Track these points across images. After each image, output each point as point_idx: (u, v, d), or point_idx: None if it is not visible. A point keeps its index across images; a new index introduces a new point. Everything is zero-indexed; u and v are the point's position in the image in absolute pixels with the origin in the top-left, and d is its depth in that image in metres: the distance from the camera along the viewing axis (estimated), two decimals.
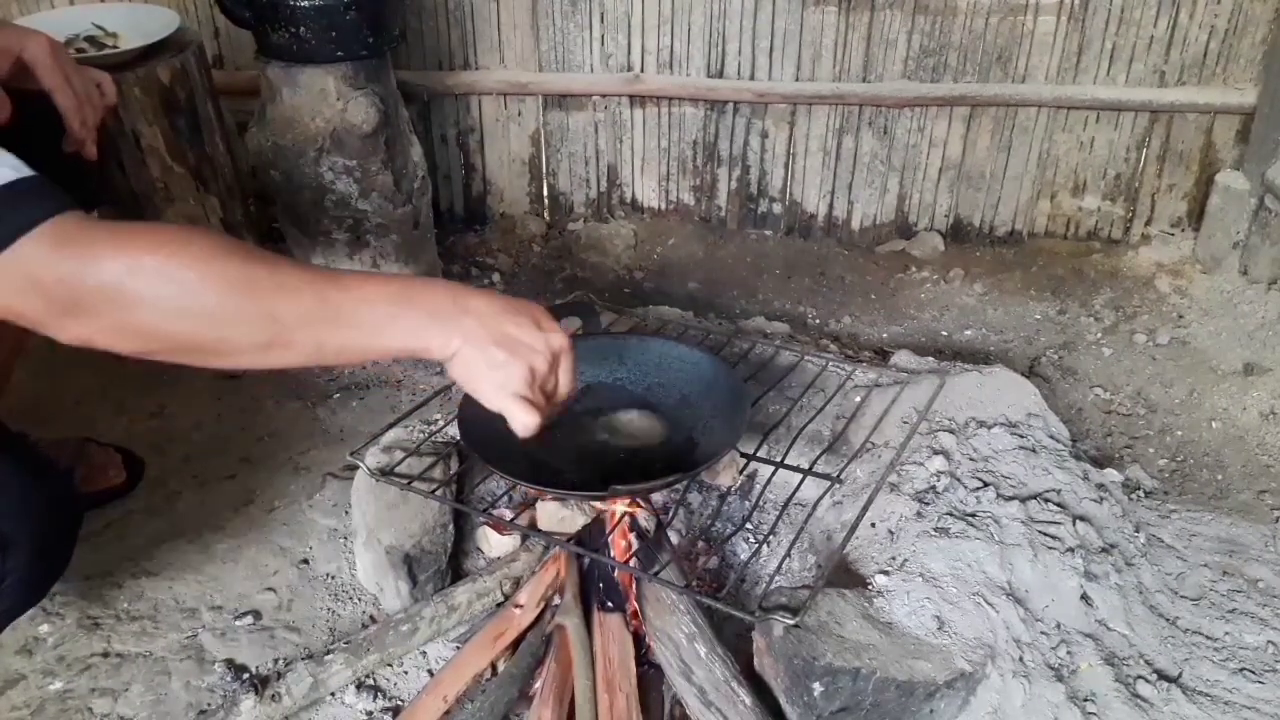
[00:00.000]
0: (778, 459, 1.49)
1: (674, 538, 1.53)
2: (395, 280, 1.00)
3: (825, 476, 1.38)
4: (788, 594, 1.28)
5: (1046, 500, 1.47)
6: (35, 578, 1.16)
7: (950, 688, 1.23)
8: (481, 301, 0.99)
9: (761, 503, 1.53)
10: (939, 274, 2.60)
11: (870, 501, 1.32)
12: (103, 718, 1.39)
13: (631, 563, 1.41)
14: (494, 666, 1.40)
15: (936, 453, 1.51)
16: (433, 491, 1.45)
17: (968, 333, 2.39)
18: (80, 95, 1.36)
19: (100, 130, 1.42)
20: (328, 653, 1.39)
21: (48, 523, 1.15)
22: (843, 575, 1.40)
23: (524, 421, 0.99)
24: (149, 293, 0.86)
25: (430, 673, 1.44)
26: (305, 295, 0.91)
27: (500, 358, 0.98)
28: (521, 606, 1.43)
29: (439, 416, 1.80)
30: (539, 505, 1.50)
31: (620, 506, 1.46)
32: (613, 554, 1.42)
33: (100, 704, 1.40)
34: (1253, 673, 1.41)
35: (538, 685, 1.35)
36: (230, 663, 1.46)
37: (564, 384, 1.05)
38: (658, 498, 1.53)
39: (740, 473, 1.49)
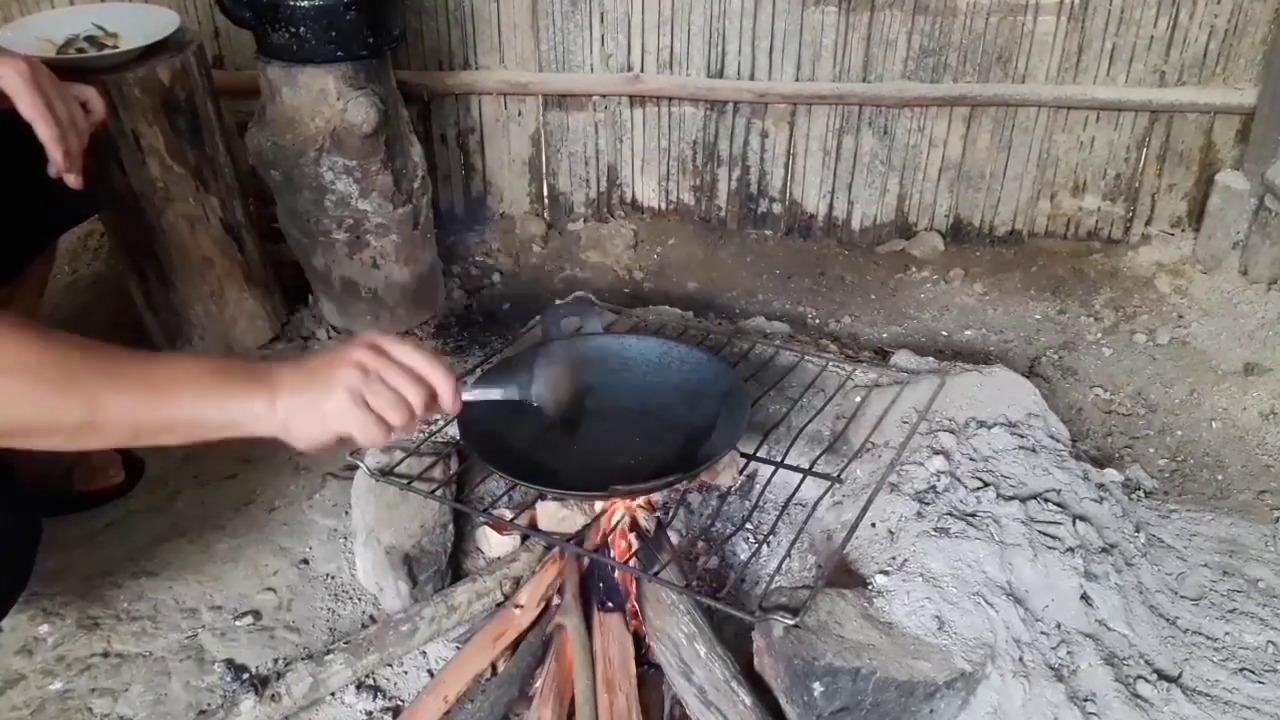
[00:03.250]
0: (778, 459, 1.49)
1: (674, 538, 1.53)
2: (215, 357, 0.97)
3: (825, 476, 1.38)
4: (788, 594, 1.28)
5: (1046, 500, 1.47)
6: None
7: (950, 688, 1.23)
8: (290, 364, 0.97)
9: (761, 503, 1.53)
10: (939, 274, 2.60)
11: (870, 501, 1.32)
12: (103, 718, 1.39)
13: (631, 563, 1.41)
14: (494, 666, 1.41)
15: (936, 453, 1.51)
16: (433, 491, 1.45)
17: (968, 333, 2.39)
18: (63, 123, 1.32)
19: (88, 152, 1.38)
20: (328, 653, 1.39)
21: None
22: (843, 575, 1.40)
23: (372, 435, 0.95)
24: None
25: (430, 673, 1.45)
26: (122, 376, 0.89)
27: (321, 381, 0.94)
28: (521, 606, 1.43)
29: (439, 416, 1.80)
30: (539, 505, 1.50)
31: (620, 506, 1.46)
32: (613, 554, 1.42)
33: (100, 704, 1.40)
34: (1253, 673, 1.41)
35: (538, 685, 1.35)
36: (230, 663, 1.46)
37: (405, 355, 0.99)
38: (658, 498, 1.53)
39: (740, 473, 1.49)
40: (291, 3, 1.86)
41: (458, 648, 1.45)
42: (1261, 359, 2.20)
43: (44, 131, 1.30)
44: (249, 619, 1.54)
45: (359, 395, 0.95)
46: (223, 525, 1.72)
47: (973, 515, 1.42)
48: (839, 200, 2.69)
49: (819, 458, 1.45)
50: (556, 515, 1.49)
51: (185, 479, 1.82)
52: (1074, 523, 1.44)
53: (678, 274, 2.60)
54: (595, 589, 1.42)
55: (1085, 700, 1.30)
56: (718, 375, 1.48)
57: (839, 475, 1.40)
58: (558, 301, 1.78)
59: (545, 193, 2.76)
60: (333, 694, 1.40)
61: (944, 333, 2.39)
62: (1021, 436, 1.55)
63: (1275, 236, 2.34)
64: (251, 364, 0.97)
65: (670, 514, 1.55)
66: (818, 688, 1.20)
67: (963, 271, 2.60)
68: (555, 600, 1.43)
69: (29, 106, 1.28)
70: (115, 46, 1.89)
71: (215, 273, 2.09)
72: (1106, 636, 1.39)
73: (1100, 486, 1.56)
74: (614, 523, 1.45)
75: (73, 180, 1.36)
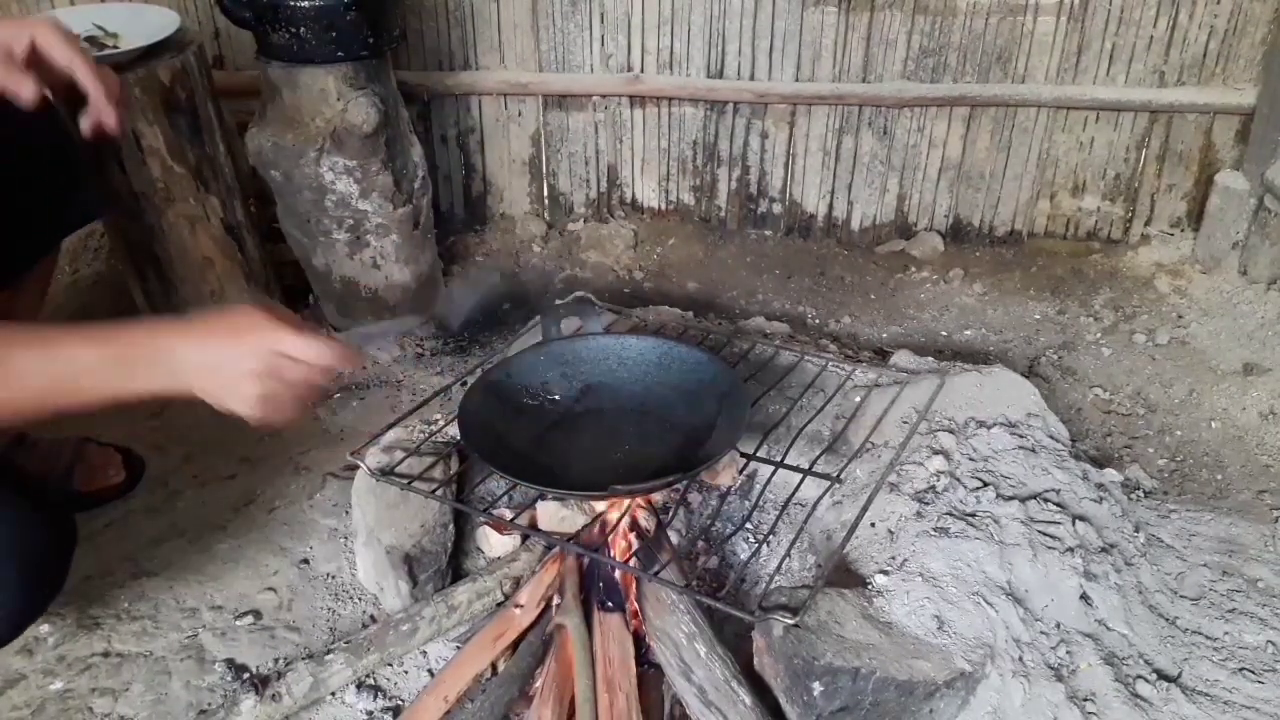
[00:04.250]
0: (778, 459, 1.49)
1: (674, 538, 1.53)
2: (113, 337, 1.02)
3: (825, 476, 1.38)
4: (788, 594, 1.28)
5: (1046, 500, 1.47)
6: (20, 611, 1.16)
7: (950, 687, 1.24)
8: (192, 343, 1.04)
9: (761, 503, 1.53)
10: (939, 274, 2.60)
11: (870, 501, 1.33)
12: (103, 717, 1.39)
13: (631, 563, 1.41)
14: (494, 666, 1.41)
15: (936, 453, 1.51)
16: (433, 491, 1.45)
17: (967, 333, 2.39)
18: (97, 70, 1.29)
19: (93, 147, 1.35)
20: (328, 652, 1.40)
21: (37, 560, 1.14)
22: (843, 575, 1.40)
23: (283, 418, 1.06)
24: None
25: (430, 672, 1.45)
26: (22, 376, 0.96)
27: (222, 386, 1.03)
28: (521, 606, 1.43)
29: (439, 416, 1.80)
30: (539, 505, 1.50)
31: (620, 506, 1.46)
32: (613, 554, 1.42)
33: (101, 704, 1.41)
34: (1252, 673, 1.41)
35: (538, 685, 1.35)
36: (230, 662, 1.46)
37: (298, 350, 1.05)
38: (658, 498, 1.54)
39: (740, 473, 1.49)
40: (291, 3, 1.86)
41: (458, 647, 1.45)
42: (1261, 359, 2.20)
43: (81, 68, 1.26)
44: (249, 619, 1.54)
45: (262, 400, 1.04)
46: (223, 525, 1.72)
47: (972, 515, 1.43)
48: (839, 200, 2.69)
49: (819, 458, 1.45)
50: (556, 515, 1.49)
51: (185, 479, 1.82)
52: (1073, 523, 1.45)
53: (678, 274, 2.60)
54: (595, 589, 1.42)
55: (1085, 700, 1.31)
56: (717, 375, 1.49)
57: (839, 475, 1.40)
58: (557, 302, 1.78)
59: (545, 193, 2.76)
60: (333, 694, 1.40)
61: (944, 333, 2.40)
62: (1021, 436, 1.55)
63: (1275, 236, 2.34)
64: (151, 339, 1.02)
65: (670, 514, 1.55)
66: (818, 687, 1.20)
67: (962, 271, 2.60)
68: (555, 600, 1.43)
69: (63, 52, 1.24)
70: (115, 46, 1.89)
71: (216, 273, 2.09)
72: (1106, 636, 1.39)
73: (1100, 486, 1.56)
74: (614, 523, 1.45)
75: (111, 122, 1.34)
